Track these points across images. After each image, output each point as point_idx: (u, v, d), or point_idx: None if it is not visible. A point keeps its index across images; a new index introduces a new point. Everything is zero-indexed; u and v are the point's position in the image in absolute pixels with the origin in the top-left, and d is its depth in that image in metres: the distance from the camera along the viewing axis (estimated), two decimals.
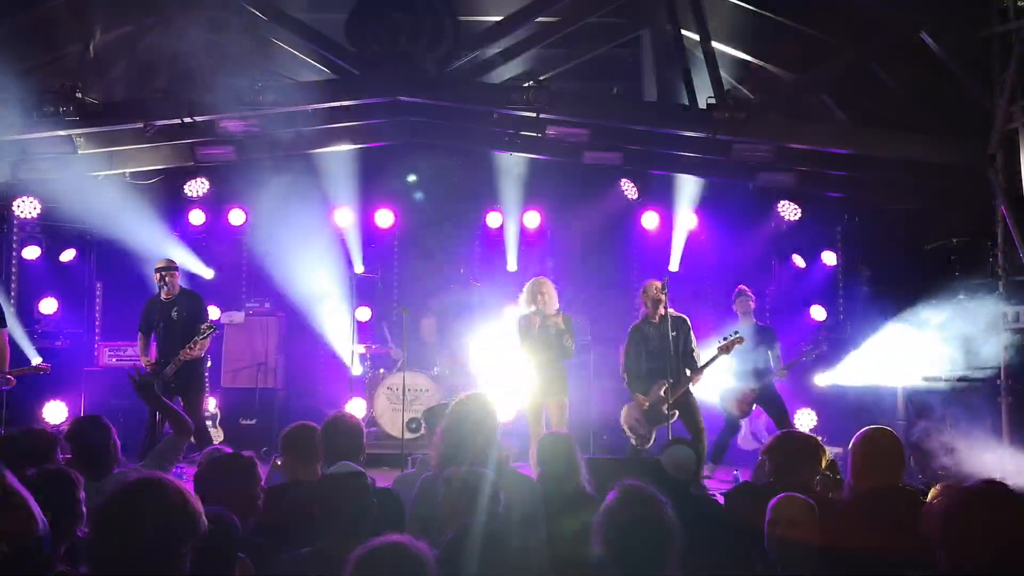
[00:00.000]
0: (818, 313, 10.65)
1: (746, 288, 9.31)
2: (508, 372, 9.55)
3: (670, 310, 8.08)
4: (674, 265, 10.87)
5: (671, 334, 7.95)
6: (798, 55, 8.67)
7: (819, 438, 4.86)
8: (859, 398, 9.27)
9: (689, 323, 8.21)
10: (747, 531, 4.02)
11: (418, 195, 9.12)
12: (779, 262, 11.20)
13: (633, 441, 8.20)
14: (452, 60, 8.12)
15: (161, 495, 2.38)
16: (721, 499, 6.90)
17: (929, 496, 3.98)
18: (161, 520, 2.34)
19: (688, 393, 7.99)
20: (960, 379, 7.83)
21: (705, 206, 10.71)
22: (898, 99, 8.53)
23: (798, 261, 10.90)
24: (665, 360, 7.92)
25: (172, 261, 8.57)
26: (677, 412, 7.90)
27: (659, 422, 7.96)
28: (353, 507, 3.30)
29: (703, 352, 8.30)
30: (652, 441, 8.05)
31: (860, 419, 8.27)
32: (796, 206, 9.96)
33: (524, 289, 7.98)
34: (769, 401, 9.01)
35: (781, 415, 8.92)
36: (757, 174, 8.99)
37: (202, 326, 8.35)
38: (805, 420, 9.96)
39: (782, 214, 10.02)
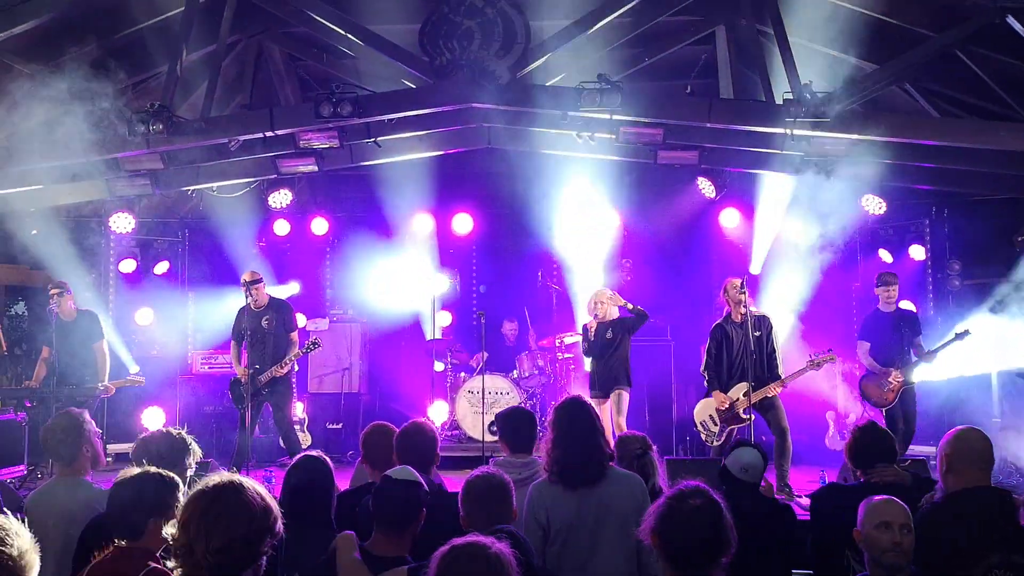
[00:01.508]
0: (907, 308, 10.33)
1: (892, 273, 8.81)
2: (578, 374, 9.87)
3: (752, 309, 8.08)
4: (756, 266, 10.72)
5: (754, 334, 7.93)
6: (879, 45, 8.45)
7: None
8: (951, 395, 9.01)
9: (772, 322, 8.13)
10: (835, 533, 3.95)
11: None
12: (864, 257, 10.94)
13: (703, 437, 8.27)
14: (524, 64, 8.17)
15: (241, 493, 2.53)
16: (805, 501, 6.82)
17: None
18: (240, 515, 2.49)
19: (772, 395, 7.92)
20: None
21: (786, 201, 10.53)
22: (985, 86, 8.25)
23: (884, 256, 10.62)
24: (747, 360, 7.92)
25: (256, 273, 8.86)
26: (754, 415, 7.89)
27: (736, 422, 7.94)
28: (402, 510, 3.43)
29: (787, 359, 8.29)
30: (724, 438, 8.04)
31: (953, 417, 8.07)
32: (881, 200, 9.70)
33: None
34: (906, 396, 8.31)
35: (910, 416, 8.31)
36: (838, 168, 8.78)
37: (308, 342, 8.86)
38: None
39: (866, 208, 9.77)
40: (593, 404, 8.16)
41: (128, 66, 9.13)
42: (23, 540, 2.27)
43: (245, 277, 8.75)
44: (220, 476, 2.61)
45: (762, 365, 7.98)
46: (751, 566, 2.96)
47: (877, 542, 3.49)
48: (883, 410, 8.36)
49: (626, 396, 8.62)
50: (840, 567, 4.00)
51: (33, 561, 2.29)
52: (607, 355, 8.71)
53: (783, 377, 7.98)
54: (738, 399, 7.91)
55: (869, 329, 8.64)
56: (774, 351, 8.06)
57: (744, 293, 7.94)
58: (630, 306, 8.68)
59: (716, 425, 8.11)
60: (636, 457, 4.57)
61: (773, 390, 7.89)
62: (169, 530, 2.56)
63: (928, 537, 3.65)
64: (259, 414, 8.82)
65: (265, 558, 2.55)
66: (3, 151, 8.83)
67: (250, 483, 2.60)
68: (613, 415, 8.49)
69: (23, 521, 2.36)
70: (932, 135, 8.21)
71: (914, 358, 8.30)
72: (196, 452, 4.17)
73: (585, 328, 8.95)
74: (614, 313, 8.82)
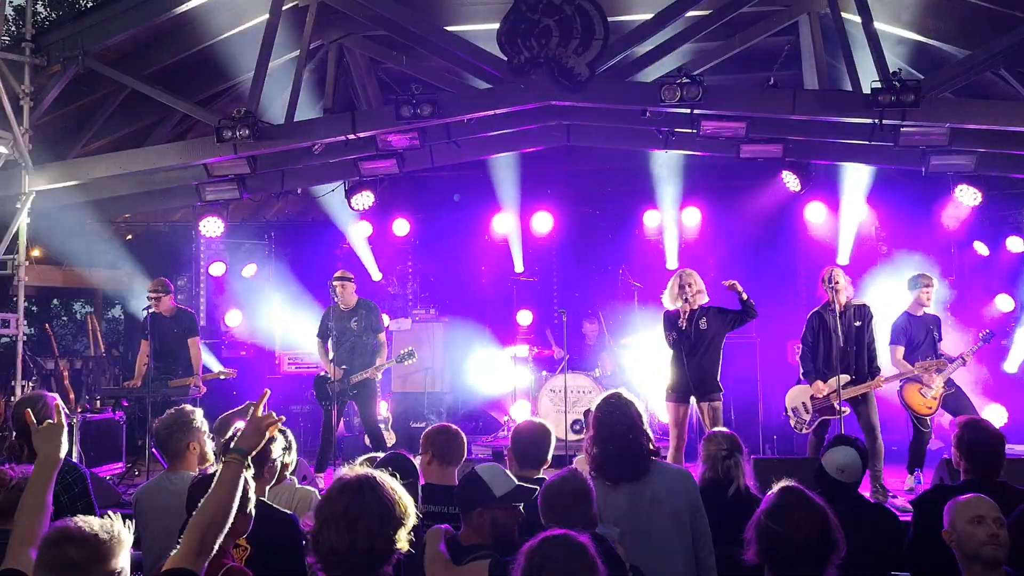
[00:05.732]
0: (1004, 303, 9.96)
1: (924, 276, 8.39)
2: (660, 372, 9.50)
3: (853, 300, 7.87)
4: (843, 258, 10.44)
5: (855, 323, 7.70)
6: (971, 29, 8.13)
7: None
8: None
9: (871, 313, 7.85)
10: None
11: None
12: (959, 250, 10.56)
13: (792, 423, 8.02)
14: (603, 61, 8.10)
15: (379, 490, 2.61)
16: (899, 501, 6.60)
17: None
18: (380, 512, 2.56)
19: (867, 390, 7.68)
20: None
21: (875, 194, 10.24)
22: None
23: (980, 248, 10.25)
24: (848, 352, 7.67)
25: (346, 272, 8.99)
26: (849, 408, 7.59)
27: (829, 414, 7.71)
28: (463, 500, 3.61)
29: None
30: (814, 427, 7.80)
31: None
32: (975, 190, 9.31)
33: (669, 283, 7.81)
34: (955, 401, 8.04)
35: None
36: (929, 158, 8.47)
37: (402, 352, 9.01)
38: (993, 416, 9.31)
39: (960, 199, 9.39)
40: (668, 408, 7.89)
41: (215, 73, 9.40)
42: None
43: (336, 276, 8.86)
44: (355, 472, 2.68)
45: (861, 358, 7.68)
46: (848, 571, 2.87)
47: (972, 537, 3.38)
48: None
49: (720, 407, 7.64)
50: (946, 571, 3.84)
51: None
52: (699, 351, 7.50)
53: (882, 374, 7.69)
54: (835, 390, 7.63)
55: (903, 333, 8.13)
56: (873, 342, 7.77)
57: (839, 283, 7.62)
58: (744, 296, 7.47)
59: (808, 413, 7.86)
60: (722, 458, 4.48)
61: (872, 387, 7.62)
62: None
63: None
64: (343, 412, 8.95)
65: (400, 552, 2.61)
66: (95, 159, 9.18)
67: (383, 478, 2.66)
68: (707, 427, 7.58)
69: (131, 515, 2.47)
70: None
71: (951, 363, 7.89)
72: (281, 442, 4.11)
73: (672, 315, 7.64)
74: (703, 300, 7.62)
